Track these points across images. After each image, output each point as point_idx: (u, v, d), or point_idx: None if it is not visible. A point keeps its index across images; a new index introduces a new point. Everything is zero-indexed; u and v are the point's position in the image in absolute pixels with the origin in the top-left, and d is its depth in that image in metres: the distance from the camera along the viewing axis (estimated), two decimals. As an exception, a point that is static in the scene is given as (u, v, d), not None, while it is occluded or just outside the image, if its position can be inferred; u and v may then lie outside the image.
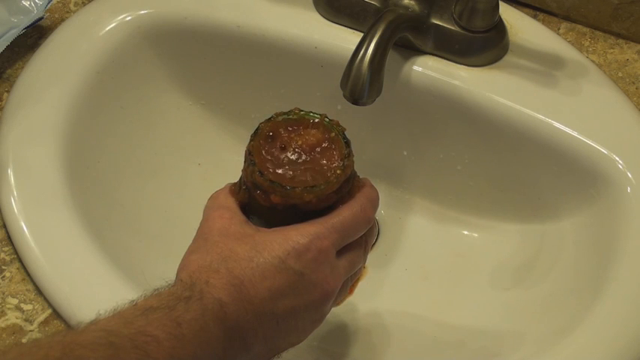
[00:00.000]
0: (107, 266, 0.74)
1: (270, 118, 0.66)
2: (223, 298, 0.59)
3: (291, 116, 0.66)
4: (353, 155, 0.64)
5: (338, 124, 0.65)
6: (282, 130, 0.65)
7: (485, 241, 0.86)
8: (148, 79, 0.88)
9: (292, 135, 0.65)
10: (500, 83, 0.82)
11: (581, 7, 0.86)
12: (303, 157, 0.65)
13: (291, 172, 0.64)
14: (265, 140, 0.65)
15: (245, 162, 0.64)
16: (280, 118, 0.66)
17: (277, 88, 0.89)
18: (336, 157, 0.64)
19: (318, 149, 0.65)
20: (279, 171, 0.64)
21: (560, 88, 0.81)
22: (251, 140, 0.65)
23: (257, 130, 0.65)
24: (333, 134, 0.65)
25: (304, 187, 0.62)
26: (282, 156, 0.65)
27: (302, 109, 0.66)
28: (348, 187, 0.64)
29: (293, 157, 0.65)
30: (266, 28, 0.86)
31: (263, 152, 0.64)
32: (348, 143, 0.64)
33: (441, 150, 0.86)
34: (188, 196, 0.87)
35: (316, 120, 0.66)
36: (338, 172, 0.63)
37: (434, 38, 0.82)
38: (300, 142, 0.65)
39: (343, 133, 0.65)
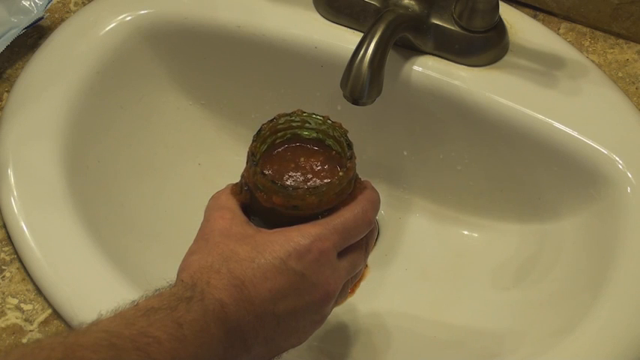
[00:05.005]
0: (107, 266, 0.74)
1: (272, 120, 0.66)
2: (224, 298, 0.59)
3: (293, 117, 0.66)
4: (355, 157, 0.64)
5: (340, 127, 0.66)
6: (280, 161, 0.66)
7: (486, 241, 0.86)
8: (147, 79, 0.88)
9: (294, 163, 0.66)
10: (500, 83, 0.82)
11: (581, 7, 0.86)
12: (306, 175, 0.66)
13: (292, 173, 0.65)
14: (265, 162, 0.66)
15: (247, 162, 0.64)
16: (282, 119, 0.66)
17: (277, 88, 0.89)
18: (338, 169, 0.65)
19: (321, 169, 0.65)
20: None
21: (560, 88, 0.81)
22: (253, 141, 0.65)
23: (259, 131, 0.65)
24: (333, 152, 0.66)
25: (306, 189, 0.62)
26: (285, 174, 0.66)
27: (304, 110, 0.66)
28: (349, 188, 0.64)
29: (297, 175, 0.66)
30: (266, 28, 0.86)
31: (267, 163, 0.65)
32: (350, 145, 0.64)
33: (441, 150, 0.86)
34: (188, 196, 0.87)
35: (315, 137, 0.66)
36: (340, 174, 0.63)
37: (434, 38, 0.82)
38: (302, 164, 0.66)
39: (345, 135, 0.65)
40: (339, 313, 0.81)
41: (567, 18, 0.88)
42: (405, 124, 0.87)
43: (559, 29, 0.87)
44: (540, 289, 0.80)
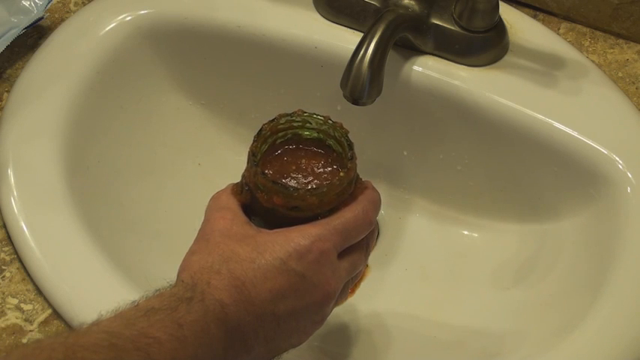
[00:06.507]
0: (107, 266, 0.74)
1: (273, 120, 0.66)
2: (224, 299, 0.59)
3: (294, 117, 0.66)
4: (356, 158, 0.64)
5: (341, 127, 0.66)
6: (281, 161, 0.66)
7: (485, 241, 0.86)
8: (148, 79, 0.88)
9: (295, 164, 0.66)
10: (500, 83, 0.82)
11: (581, 7, 0.86)
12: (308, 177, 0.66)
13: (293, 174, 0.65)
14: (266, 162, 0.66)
15: (248, 163, 0.64)
16: (283, 119, 0.66)
17: (277, 88, 0.89)
18: (338, 169, 0.65)
19: (321, 170, 0.65)
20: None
21: (560, 88, 0.81)
22: (254, 141, 0.65)
23: (260, 131, 0.65)
24: (334, 153, 0.66)
25: (307, 189, 0.62)
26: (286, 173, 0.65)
27: (305, 110, 0.66)
28: (350, 189, 0.64)
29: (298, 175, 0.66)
30: (266, 28, 0.86)
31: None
32: (351, 146, 0.64)
33: (441, 150, 0.86)
34: (188, 196, 0.87)
35: (315, 137, 0.66)
36: (341, 174, 0.63)
37: (434, 38, 0.82)
38: (303, 166, 0.66)
39: (346, 136, 0.65)
40: (339, 313, 0.81)
41: (567, 18, 0.88)
42: (405, 124, 0.87)
43: (559, 29, 0.87)
44: (540, 289, 0.80)
